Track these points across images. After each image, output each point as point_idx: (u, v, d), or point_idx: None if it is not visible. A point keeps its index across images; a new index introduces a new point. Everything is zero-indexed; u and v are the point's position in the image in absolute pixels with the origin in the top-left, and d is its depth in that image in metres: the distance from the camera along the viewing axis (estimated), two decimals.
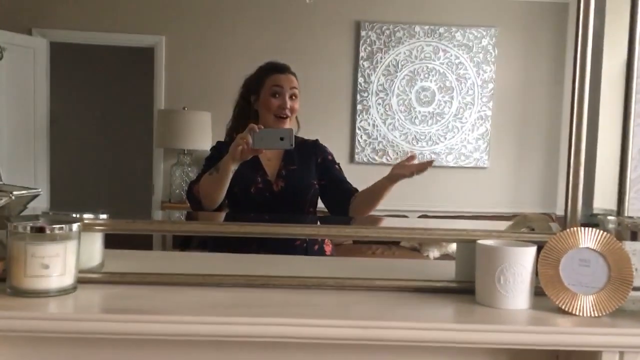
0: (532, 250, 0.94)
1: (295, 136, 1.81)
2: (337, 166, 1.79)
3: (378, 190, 1.64)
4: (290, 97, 1.72)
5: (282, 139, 1.39)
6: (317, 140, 1.82)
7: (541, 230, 1.07)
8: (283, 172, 1.74)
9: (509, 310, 0.93)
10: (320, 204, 1.80)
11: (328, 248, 1.77)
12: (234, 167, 1.53)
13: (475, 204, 3.94)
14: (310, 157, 1.78)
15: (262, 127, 1.44)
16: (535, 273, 0.95)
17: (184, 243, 3.66)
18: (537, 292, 0.96)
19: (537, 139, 4.08)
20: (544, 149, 4.09)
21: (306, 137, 1.83)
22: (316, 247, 1.71)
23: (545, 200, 4.02)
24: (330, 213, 1.77)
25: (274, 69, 1.75)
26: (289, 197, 1.71)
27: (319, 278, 1.04)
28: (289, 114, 1.71)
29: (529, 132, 4.10)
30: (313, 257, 1.58)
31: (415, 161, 1.60)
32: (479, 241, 0.98)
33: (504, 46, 4.06)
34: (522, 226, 1.12)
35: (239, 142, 1.47)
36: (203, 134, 3.85)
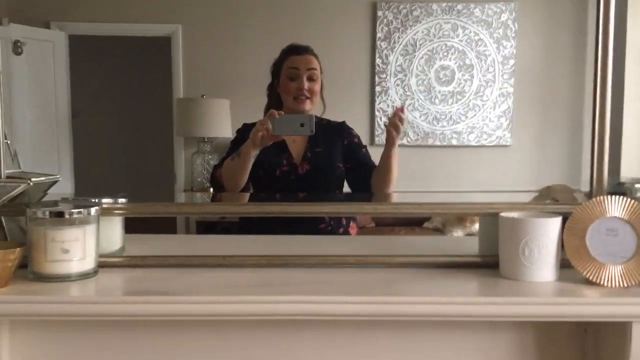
0: (556, 220, 0.92)
1: (321, 118, 1.80)
2: (363, 149, 1.76)
3: (383, 159, 1.62)
4: (309, 78, 1.70)
5: (302, 125, 1.37)
6: (343, 122, 1.79)
7: (565, 201, 1.04)
8: (308, 154, 1.72)
9: (534, 282, 0.91)
10: (347, 187, 1.78)
11: (353, 231, 1.75)
12: (254, 153, 1.52)
13: (499, 183, 3.90)
14: (336, 140, 1.76)
15: (282, 113, 1.42)
16: (561, 245, 0.93)
17: (207, 229, 3.68)
18: (563, 265, 0.93)
19: (561, 115, 4.00)
20: (567, 124, 4.01)
21: (332, 119, 1.81)
22: (341, 230, 1.69)
23: (570, 176, 3.95)
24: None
25: (291, 51, 1.74)
26: (314, 180, 1.70)
27: (339, 256, 1.02)
28: (307, 94, 1.70)
29: (552, 108, 4.02)
30: (333, 236, 1.57)
31: (403, 115, 1.57)
32: (502, 214, 0.96)
33: (524, 21, 3.97)
34: (546, 198, 1.09)
35: (259, 128, 1.46)
36: (222, 121, 3.86)
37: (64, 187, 3.62)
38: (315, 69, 1.72)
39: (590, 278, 0.90)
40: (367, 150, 1.76)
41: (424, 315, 0.87)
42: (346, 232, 1.71)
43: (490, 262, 1.00)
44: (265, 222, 1.57)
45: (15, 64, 3.67)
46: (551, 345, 0.96)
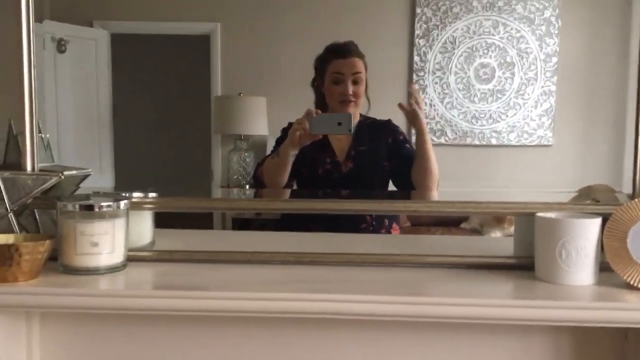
0: (596, 222, 0.87)
1: (366, 116, 1.78)
2: (408, 145, 1.72)
3: (417, 149, 1.60)
4: (354, 82, 1.68)
5: (339, 124, 1.35)
6: (389, 120, 1.77)
7: (606, 201, 1.00)
8: (352, 153, 1.70)
9: (572, 286, 0.87)
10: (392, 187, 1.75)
11: (396, 233, 1.72)
12: (293, 152, 1.51)
13: (540, 184, 3.79)
14: (380, 137, 1.73)
15: (319, 112, 1.40)
16: (601, 247, 0.89)
17: (243, 227, 3.70)
18: (603, 268, 0.89)
19: (605, 114, 3.88)
20: (612, 123, 3.88)
21: (378, 118, 1.79)
22: (383, 230, 1.67)
23: (614, 177, 3.82)
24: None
25: (335, 54, 1.70)
26: (357, 179, 1.67)
27: (367, 255, 1.00)
28: (352, 99, 1.68)
29: (596, 107, 3.90)
30: (366, 234, 1.54)
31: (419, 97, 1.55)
32: (539, 213, 0.92)
33: (568, 17, 3.86)
34: (586, 198, 1.05)
35: (297, 127, 1.45)
36: (259, 119, 3.87)
37: (106, 182, 3.69)
38: (360, 72, 1.68)
39: (632, 282, 0.86)
40: (412, 146, 1.71)
41: (453, 318, 0.84)
42: (388, 233, 1.68)
43: (526, 264, 0.96)
44: (305, 220, 1.56)
45: (58, 62, 3.76)
46: (589, 352, 0.92)
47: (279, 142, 1.69)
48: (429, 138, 1.62)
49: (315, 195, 1.68)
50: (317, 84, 1.74)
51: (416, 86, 3.92)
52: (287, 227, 1.61)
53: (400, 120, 1.82)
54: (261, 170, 1.65)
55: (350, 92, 1.66)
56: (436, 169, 1.61)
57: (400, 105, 1.57)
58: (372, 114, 1.81)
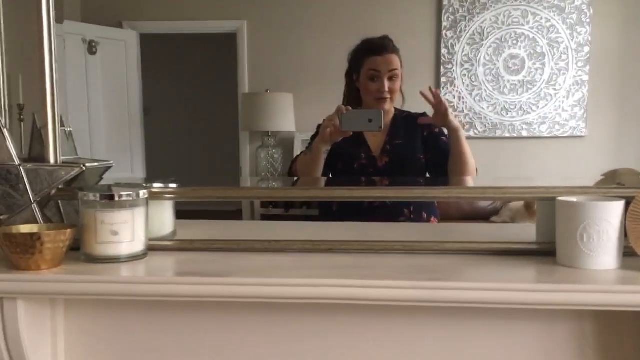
0: (618, 205, 0.85)
1: (401, 110, 1.77)
2: (443, 138, 1.70)
3: (454, 146, 1.59)
4: (390, 78, 1.67)
5: (370, 120, 1.33)
6: (424, 113, 1.76)
7: (632, 185, 0.97)
8: (388, 147, 1.70)
9: (594, 270, 0.85)
10: None
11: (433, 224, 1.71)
12: (325, 148, 1.51)
13: (573, 176, 3.71)
14: (416, 131, 1.72)
15: (350, 109, 1.40)
16: (625, 232, 0.86)
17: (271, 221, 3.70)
18: (627, 253, 0.87)
19: (639, 103, 3.77)
20: None
21: (413, 111, 1.78)
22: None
23: None
24: None
25: (372, 50, 1.69)
26: (393, 173, 1.67)
27: (387, 242, 1.00)
28: (387, 96, 1.67)
29: (630, 95, 3.80)
30: (388, 223, 1.53)
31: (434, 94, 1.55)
32: (559, 198, 0.90)
33: (600, 4, 3.77)
34: (612, 182, 1.02)
35: (327, 124, 1.46)
36: (286, 115, 3.88)
37: (137, 177, 3.76)
38: (396, 69, 1.67)
39: None
40: (447, 138, 1.69)
41: (474, 303, 0.83)
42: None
43: (548, 250, 0.94)
44: (344, 213, 1.56)
45: (89, 63, 3.84)
46: (612, 336, 0.90)
47: (314, 138, 1.69)
48: (463, 134, 1.60)
49: (345, 184, 1.67)
50: (353, 78, 1.73)
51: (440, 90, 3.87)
52: (326, 220, 1.61)
53: (430, 114, 1.80)
54: (295, 166, 1.66)
55: (387, 89, 1.65)
56: (473, 163, 1.59)
57: (423, 94, 1.55)
58: (399, 106, 1.80)
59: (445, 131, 1.66)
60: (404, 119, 1.74)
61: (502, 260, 0.94)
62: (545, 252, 0.95)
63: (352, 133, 1.48)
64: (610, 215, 0.84)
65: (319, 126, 1.71)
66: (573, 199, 0.90)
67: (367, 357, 0.98)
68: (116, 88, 4.07)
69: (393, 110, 1.74)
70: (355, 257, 0.97)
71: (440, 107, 1.54)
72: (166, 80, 5.35)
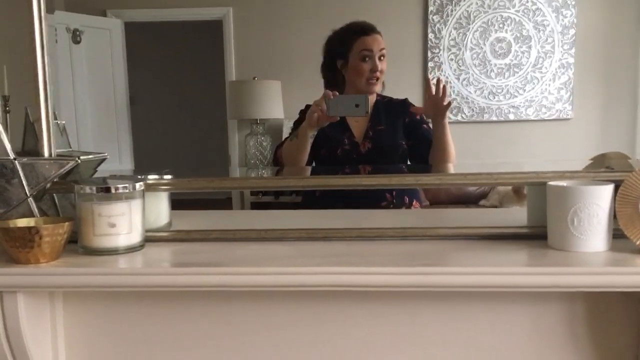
0: (607, 188, 0.87)
1: (383, 95, 1.77)
2: (425, 126, 1.71)
3: (438, 137, 1.60)
4: (379, 58, 1.67)
5: (357, 105, 1.34)
6: (406, 99, 1.76)
7: (620, 168, 0.99)
8: (370, 133, 1.70)
9: (585, 252, 0.87)
10: None
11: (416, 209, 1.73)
12: (311, 133, 1.52)
13: (560, 158, 3.75)
14: (398, 117, 1.73)
15: (337, 94, 1.40)
16: (614, 214, 0.88)
17: (262, 209, 3.71)
18: (616, 235, 0.89)
19: (626, 84, 3.81)
20: (632, 93, 3.81)
21: (395, 97, 1.78)
22: (404, 207, 1.67)
23: (632, 147, 3.75)
24: None
25: (360, 32, 1.69)
26: (376, 159, 1.68)
27: (380, 229, 1.01)
28: (379, 76, 1.68)
29: (616, 77, 3.83)
30: (377, 210, 1.55)
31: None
32: (550, 182, 0.92)
33: None
34: (600, 166, 1.04)
35: (314, 109, 1.46)
36: (274, 102, 3.88)
37: (125, 168, 3.74)
38: (384, 49, 1.68)
39: None
40: (429, 126, 1.71)
41: (467, 287, 0.85)
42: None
43: (539, 233, 0.96)
44: (325, 201, 1.57)
45: (74, 53, 3.80)
46: (603, 317, 0.92)
47: (297, 124, 1.69)
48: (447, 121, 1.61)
49: (333, 172, 1.68)
50: (337, 66, 1.72)
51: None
52: (310, 207, 1.62)
53: (415, 99, 1.81)
54: (280, 152, 1.66)
55: (379, 68, 1.66)
56: (454, 153, 1.61)
57: (429, 83, 1.55)
58: (386, 92, 1.81)
59: (427, 119, 1.68)
60: (385, 104, 1.74)
61: (494, 244, 0.96)
62: (536, 236, 0.97)
63: (339, 118, 1.48)
64: (600, 198, 0.86)
65: (301, 112, 1.72)
66: (563, 183, 0.92)
67: (363, 343, 1.00)
68: (101, 77, 4.03)
69: (375, 95, 1.74)
70: (350, 244, 0.99)
71: (442, 101, 1.53)
72: (152, 69, 5.31)
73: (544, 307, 0.94)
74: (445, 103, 1.52)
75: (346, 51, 1.70)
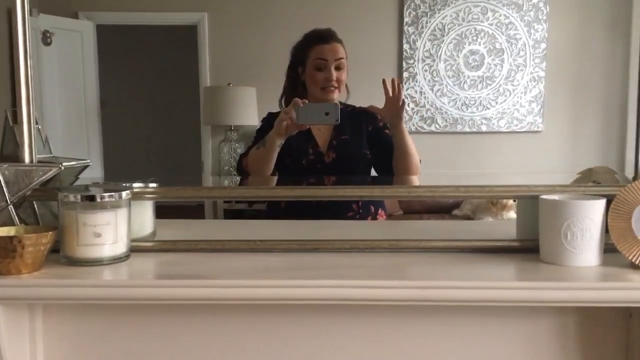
0: (601, 203, 0.88)
1: (345, 104, 1.76)
2: (387, 131, 1.69)
3: (398, 140, 1.59)
4: (337, 67, 1.65)
5: (327, 114, 1.33)
6: (370, 105, 1.76)
7: (607, 183, 1.00)
8: (334, 142, 1.69)
9: (577, 267, 0.87)
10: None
11: (382, 219, 1.72)
12: (279, 142, 1.49)
13: (531, 170, 3.82)
14: (361, 125, 1.71)
15: (307, 102, 1.38)
16: (605, 229, 0.89)
17: (234, 218, 3.68)
18: (608, 249, 0.90)
19: (594, 98, 3.90)
20: (602, 108, 3.91)
21: (357, 105, 1.77)
22: (369, 218, 1.66)
23: (604, 161, 3.84)
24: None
25: (317, 39, 1.68)
26: (340, 168, 1.66)
27: (372, 240, 1.00)
28: (335, 85, 1.65)
29: (585, 92, 3.92)
30: (364, 221, 1.54)
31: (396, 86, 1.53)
32: (543, 196, 0.93)
33: (556, 2, 3.87)
34: (588, 180, 1.06)
35: (283, 117, 1.44)
36: (249, 109, 3.85)
37: (94, 174, 3.66)
38: (343, 58, 1.66)
39: (636, 262, 0.86)
40: (390, 132, 1.69)
41: (460, 301, 0.85)
42: (375, 220, 1.68)
43: (529, 247, 0.96)
44: (293, 210, 1.55)
45: (44, 55, 3.71)
46: (594, 331, 0.93)
47: (259, 132, 1.67)
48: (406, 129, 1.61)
49: (298, 183, 1.67)
50: (297, 72, 1.71)
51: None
52: (275, 217, 1.60)
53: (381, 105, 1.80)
54: (246, 161, 1.62)
55: (334, 77, 1.65)
56: (417, 158, 1.60)
57: (384, 83, 1.54)
58: (360, 102, 1.79)
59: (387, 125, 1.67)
60: (348, 113, 1.73)
61: (486, 257, 0.96)
62: (527, 249, 0.97)
63: (308, 127, 1.47)
64: (593, 213, 0.87)
65: (264, 120, 1.70)
66: (555, 197, 0.92)
67: (355, 356, 0.98)
68: (72, 80, 3.94)
69: (339, 104, 1.73)
70: (341, 256, 0.97)
71: (397, 101, 1.52)
72: (124, 72, 5.21)
73: (536, 320, 0.94)
74: (400, 103, 1.52)
75: (304, 58, 1.68)
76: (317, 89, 1.66)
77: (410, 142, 1.59)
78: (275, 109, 1.74)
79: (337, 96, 1.69)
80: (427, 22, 3.94)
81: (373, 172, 1.72)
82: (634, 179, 0.96)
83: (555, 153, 3.93)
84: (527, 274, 0.89)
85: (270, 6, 3.94)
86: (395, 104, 1.53)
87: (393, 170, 1.63)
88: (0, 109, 1.06)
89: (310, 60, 1.66)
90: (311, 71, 1.66)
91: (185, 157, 4.67)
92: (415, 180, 1.67)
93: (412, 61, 4.00)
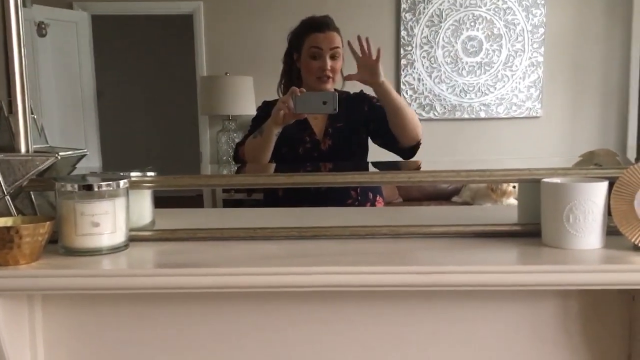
0: (603, 185, 0.87)
1: (341, 91, 1.75)
2: (375, 99, 1.66)
3: (382, 100, 1.57)
4: (332, 57, 1.63)
5: (325, 102, 1.32)
6: (361, 91, 1.74)
7: (609, 165, 1.00)
8: (330, 130, 1.68)
9: (580, 250, 0.87)
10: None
11: (380, 206, 1.72)
12: (277, 131, 1.48)
13: (531, 155, 3.81)
14: (356, 111, 1.70)
15: (304, 91, 1.37)
16: (608, 211, 0.88)
17: (234, 207, 3.66)
18: (610, 232, 0.89)
19: (593, 83, 3.88)
20: (600, 92, 3.89)
21: (352, 91, 1.76)
22: (368, 204, 1.66)
23: (605, 145, 3.83)
24: (392, 151, 1.70)
25: (312, 27, 1.66)
26: (337, 156, 1.65)
27: (373, 227, 0.99)
28: (330, 74, 1.63)
29: (583, 77, 3.90)
30: (364, 208, 1.53)
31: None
32: (545, 179, 0.92)
33: None
34: (589, 163, 1.05)
35: (281, 106, 1.43)
36: (246, 98, 3.83)
37: (92, 164, 3.64)
38: (338, 47, 1.64)
39: (639, 244, 0.86)
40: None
41: (463, 285, 0.84)
42: (373, 207, 1.68)
43: (531, 231, 0.96)
44: (291, 199, 1.54)
45: (40, 46, 3.68)
46: (597, 314, 0.92)
47: (255, 121, 1.66)
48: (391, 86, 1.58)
49: (295, 171, 1.66)
50: (293, 58, 1.70)
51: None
52: (273, 206, 1.59)
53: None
54: (242, 150, 1.62)
55: (329, 67, 1.63)
56: (413, 114, 1.58)
57: (350, 45, 1.51)
58: (351, 90, 1.78)
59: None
60: (344, 99, 1.72)
61: (488, 242, 0.95)
62: (528, 233, 0.96)
63: (305, 116, 1.46)
64: (595, 195, 0.86)
65: (259, 108, 1.69)
66: (558, 180, 0.92)
67: (358, 342, 0.98)
68: (68, 71, 3.92)
69: (336, 93, 1.72)
70: (343, 243, 0.97)
71: (369, 57, 1.49)
72: (120, 63, 5.18)
73: (538, 304, 0.94)
74: (374, 58, 1.49)
75: (300, 46, 1.67)
76: (312, 78, 1.65)
77: (398, 97, 1.56)
78: (272, 97, 1.72)
79: (332, 85, 1.68)
80: (424, 8, 3.91)
81: (371, 169, 1.70)
82: (637, 160, 0.96)
83: (555, 138, 3.91)
84: (529, 258, 0.88)
85: None
86: (368, 61, 1.50)
87: (394, 134, 1.60)
88: None
89: (305, 48, 1.65)
90: (306, 59, 1.65)
91: (183, 148, 4.65)
92: (419, 132, 1.65)
93: (409, 48, 3.98)
